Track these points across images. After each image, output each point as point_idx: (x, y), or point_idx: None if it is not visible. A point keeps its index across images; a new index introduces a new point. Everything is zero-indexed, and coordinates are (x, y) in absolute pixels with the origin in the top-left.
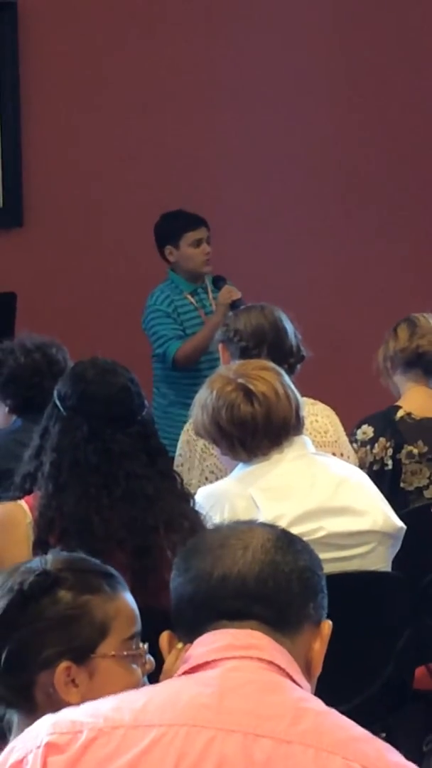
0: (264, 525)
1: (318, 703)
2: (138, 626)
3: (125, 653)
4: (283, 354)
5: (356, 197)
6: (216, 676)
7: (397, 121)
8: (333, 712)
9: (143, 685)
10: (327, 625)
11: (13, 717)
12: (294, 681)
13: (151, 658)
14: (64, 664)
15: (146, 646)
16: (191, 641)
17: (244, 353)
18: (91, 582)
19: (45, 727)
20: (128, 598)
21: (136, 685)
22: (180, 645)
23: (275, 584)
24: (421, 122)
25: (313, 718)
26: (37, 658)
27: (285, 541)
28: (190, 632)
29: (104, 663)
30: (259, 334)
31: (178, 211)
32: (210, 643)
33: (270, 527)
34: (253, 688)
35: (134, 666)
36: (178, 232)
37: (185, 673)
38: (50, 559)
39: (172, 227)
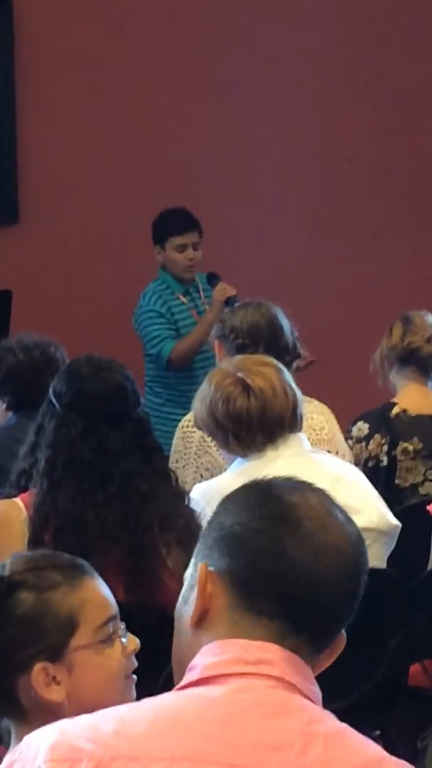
0: (344, 520)
1: (329, 723)
2: (113, 610)
3: (99, 640)
4: (279, 351)
5: (354, 195)
6: (221, 698)
7: (394, 120)
8: (345, 733)
9: (132, 665)
10: (342, 638)
11: (10, 723)
12: (306, 695)
13: (134, 638)
14: (39, 666)
15: (124, 625)
16: (239, 600)
17: (240, 350)
18: (50, 578)
19: (43, 748)
20: (96, 584)
21: (118, 670)
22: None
23: (352, 606)
24: (419, 122)
25: (323, 745)
26: (11, 663)
27: (362, 544)
28: (242, 599)
29: (81, 655)
30: (256, 331)
31: (174, 210)
32: (218, 653)
33: (348, 523)
34: (260, 713)
35: (113, 649)
36: (165, 235)
37: (190, 684)
38: (9, 563)
39: (161, 229)
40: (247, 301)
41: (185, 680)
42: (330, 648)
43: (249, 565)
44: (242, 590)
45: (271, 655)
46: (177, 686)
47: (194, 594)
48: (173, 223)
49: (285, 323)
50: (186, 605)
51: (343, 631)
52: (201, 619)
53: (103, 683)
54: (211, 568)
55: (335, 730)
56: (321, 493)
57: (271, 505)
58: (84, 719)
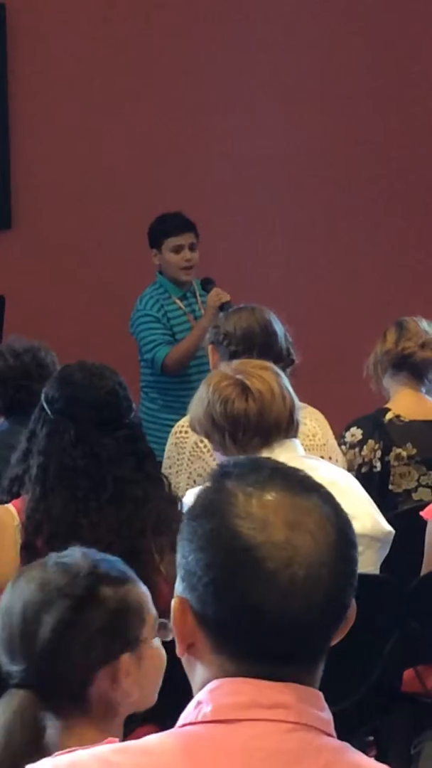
0: (316, 526)
1: (344, 764)
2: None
3: (155, 633)
4: (272, 358)
5: (350, 201)
6: (239, 749)
7: (392, 122)
8: None
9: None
10: (352, 612)
11: (59, 718)
12: (321, 730)
13: (167, 623)
14: (125, 656)
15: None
16: (219, 645)
17: (234, 357)
18: (121, 572)
19: None
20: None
21: (164, 663)
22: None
23: (342, 613)
24: (415, 123)
25: None
26: (98, 655)
27: (344, 543)
28: (221, 644)
29: (146, 646)
30: (249, 338)
31: (170, 215)
32: (232, 693)
33: (330, 509)
34: (275, 765)
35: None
36: (161, 237)
37: (203, 723)
38: (79, 556)
39: (157, 231)
40: (241, 306)
41: (195, 715)
42: (338, 634)
43: (216, 616)
44: (218, 638)
45: (288, 696)
46: (186, 719)
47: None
48: (169, 224)
49: (279, 329)
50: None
51: (353, 603)
52: (189, 649)
53: (158, 675)
54: (185, 596)
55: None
56: (287, 495)
57: (228, 548)
58: (91, 762)
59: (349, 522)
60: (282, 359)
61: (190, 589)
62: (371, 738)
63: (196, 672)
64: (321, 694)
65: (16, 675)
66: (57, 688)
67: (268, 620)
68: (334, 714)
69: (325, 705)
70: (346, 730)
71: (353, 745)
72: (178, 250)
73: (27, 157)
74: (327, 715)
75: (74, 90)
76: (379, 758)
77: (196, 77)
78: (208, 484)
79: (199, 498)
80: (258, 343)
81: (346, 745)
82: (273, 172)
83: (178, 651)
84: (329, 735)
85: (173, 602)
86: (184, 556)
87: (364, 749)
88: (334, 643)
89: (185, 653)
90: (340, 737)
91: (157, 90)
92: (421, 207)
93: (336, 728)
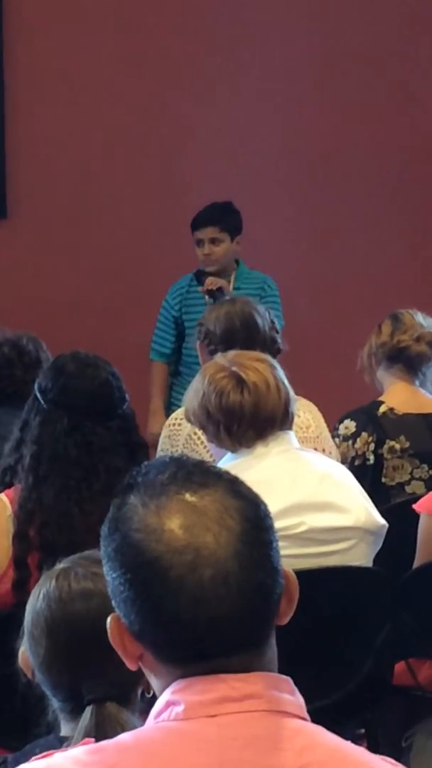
0: (224, 498)
1: (320, 747)
2: None
3: None
4: (255, 350)
5: (347, 189)
6: (215, 739)
7: (388, 114)
8: (335, 756)
9: None
10: (290, 580)
11: (60, 714)
12: (294, 714)
13: None
14: None
15: None
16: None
17: (214, 354)
18: None
19: None
20: None
21: None
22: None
23: (265, 603)
24: (412, 116)
25: None
26: None
27: (253, 534)
28: (165, 657)
29: None
30: (229, 335)
31: (210, 205)
32: (202, 692)
33: (232, 498)
34: (254, 752)
35: None
36: (192, 230)
37: (175, 720)
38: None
39: (191, 224)
40: (224, 300)
41: (168, 716)
42: (284, 603)
43: (141, 629)
44: (152, 648)
45: (257, 687)
46: (159, 715)
47: None
48: (194, 218)
49: (261, 319)
50: None
51: (290, 572)
52: (140, 660)
53: None
54: (116, 613)
55: (327, 755)
56: (184, 497)
57: (133, 564)
58: (67, 764)
59: (259, 504)
60: (267, 350)
61: (117, 606)
62: (362, 730)
63: (152, 680)
64: (289, 678)
65: (92, 689)
66: (129, 693)
67: (188, 627)
68: (325, 706)
69: (295, 689)
70: (338, 723)
71: (344, 738)
72: (199, 244)
73: (22, 146)
74: (298, 699)
75: (70, 80)
76: (371, 750)
77: (195, 61)
78: (116, 499)
79: (108, 515)
80: (239, 339)
81: (320, 728)
82: (269, 158)
83: (128, 665)
84: (303, 719)
85: (108, 620)
86: (107, 573)
87: (356, 742)
88: (285, 620)
89: (137, 665)
90: (332, 730)
91: (155, 77)
92: (417, 196)
93: (327, 720)
